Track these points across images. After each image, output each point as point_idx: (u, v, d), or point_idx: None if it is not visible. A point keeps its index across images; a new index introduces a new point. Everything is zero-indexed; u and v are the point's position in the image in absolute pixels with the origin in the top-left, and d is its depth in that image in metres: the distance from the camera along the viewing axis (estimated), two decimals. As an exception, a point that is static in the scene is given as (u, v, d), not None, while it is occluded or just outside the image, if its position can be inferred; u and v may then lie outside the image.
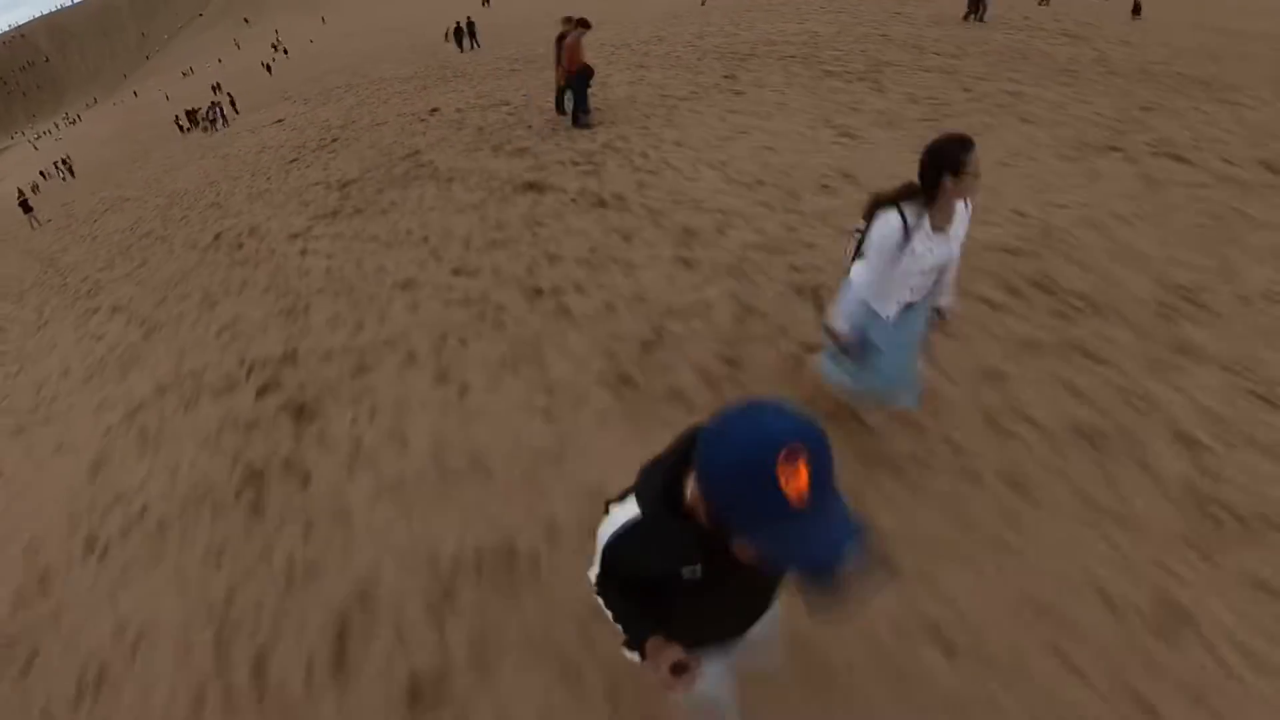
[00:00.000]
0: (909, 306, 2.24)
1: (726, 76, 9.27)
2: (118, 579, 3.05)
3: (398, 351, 3.95)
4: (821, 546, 0.72)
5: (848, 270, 2.26)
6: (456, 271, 4.79)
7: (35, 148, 61.00)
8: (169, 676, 2.44)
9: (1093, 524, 2.26)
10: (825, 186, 5.16)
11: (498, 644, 2.19)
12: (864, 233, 2.12)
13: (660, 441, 1.02)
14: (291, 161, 10.53)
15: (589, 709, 1.96)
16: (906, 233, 1.99)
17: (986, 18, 12.04)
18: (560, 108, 8.44)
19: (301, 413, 3.64)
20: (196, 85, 44.80)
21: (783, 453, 0.68)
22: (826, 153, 5.87)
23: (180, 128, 23.45)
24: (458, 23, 19.72)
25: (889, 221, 2.00)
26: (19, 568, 3.44)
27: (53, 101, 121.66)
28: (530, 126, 8.44)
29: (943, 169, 1.89)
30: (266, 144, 13.09)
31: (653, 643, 1.08)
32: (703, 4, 18.44)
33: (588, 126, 7.83)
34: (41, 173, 32.55)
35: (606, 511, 1.02)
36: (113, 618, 2.83)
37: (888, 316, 2.21)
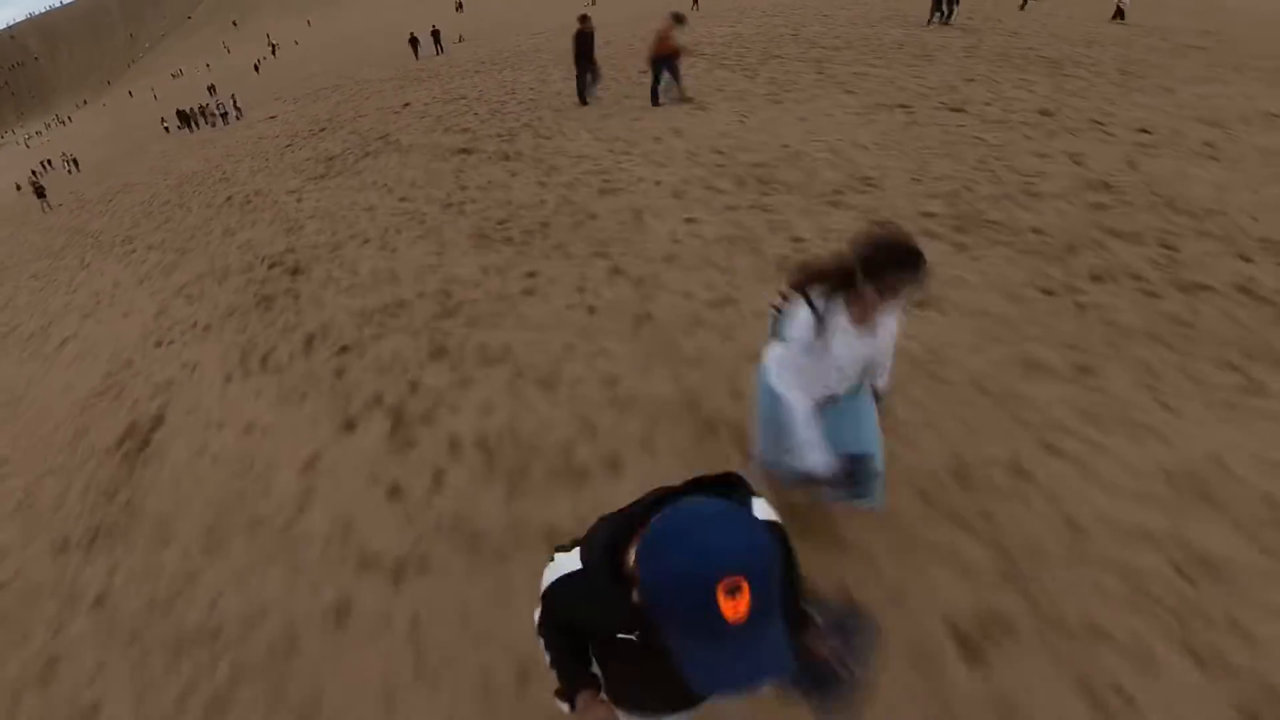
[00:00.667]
0: (833, 399, 1.98)
1: (642, 71, 11.58)
2: (176, 353, 5.25)
3: (358, 239, 6.23)
4: (737, 674, 0.70)
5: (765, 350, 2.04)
6: (402, 199, 7.06)
7: (27, 146, 62.46)
8: (213, 379, 4.65)
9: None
10: (657, 140, 7.44)
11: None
12: (782, 310, 1.91)
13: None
14: (286, 146, 12.69)
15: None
16: (820, 330, 1.75)
17: (952, 20, 13.07)
18: (581, 95, 9.98)
19: (296, 270, 5.90)
20: (188, 86, 46.86)
21: (724, 582, 0.66)
22: (676, 119, 8.15)
23: (166, 129, 25.10)
24: (412, 33, 22.33)
25: (799, 318, 1.77)
26: (105, 364, 5.62)
27: (42, 102, 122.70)
28: (477, 114, 10.72)
29: (866, 274, 1.63)
30: (263, 135, 15.25)
31: (583, 697, 1.09)
32: (695, 7, 20.08)
33: (679, 101, 9.04)
34: (44, 163, 34.23)
35: (553, 557, 1.02)
36: (175, 365, 5.04)
37: (805, 412, 1.87)
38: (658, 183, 6.07)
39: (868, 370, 1.96)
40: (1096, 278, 3.84)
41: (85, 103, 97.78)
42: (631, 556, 0.82)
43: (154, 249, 8.91)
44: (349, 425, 3.65)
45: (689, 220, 5.19)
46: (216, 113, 22.16)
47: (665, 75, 8.93)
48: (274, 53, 52.21)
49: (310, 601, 2.66)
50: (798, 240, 4.66)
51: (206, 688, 2.46)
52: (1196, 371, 3.07)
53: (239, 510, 3.30)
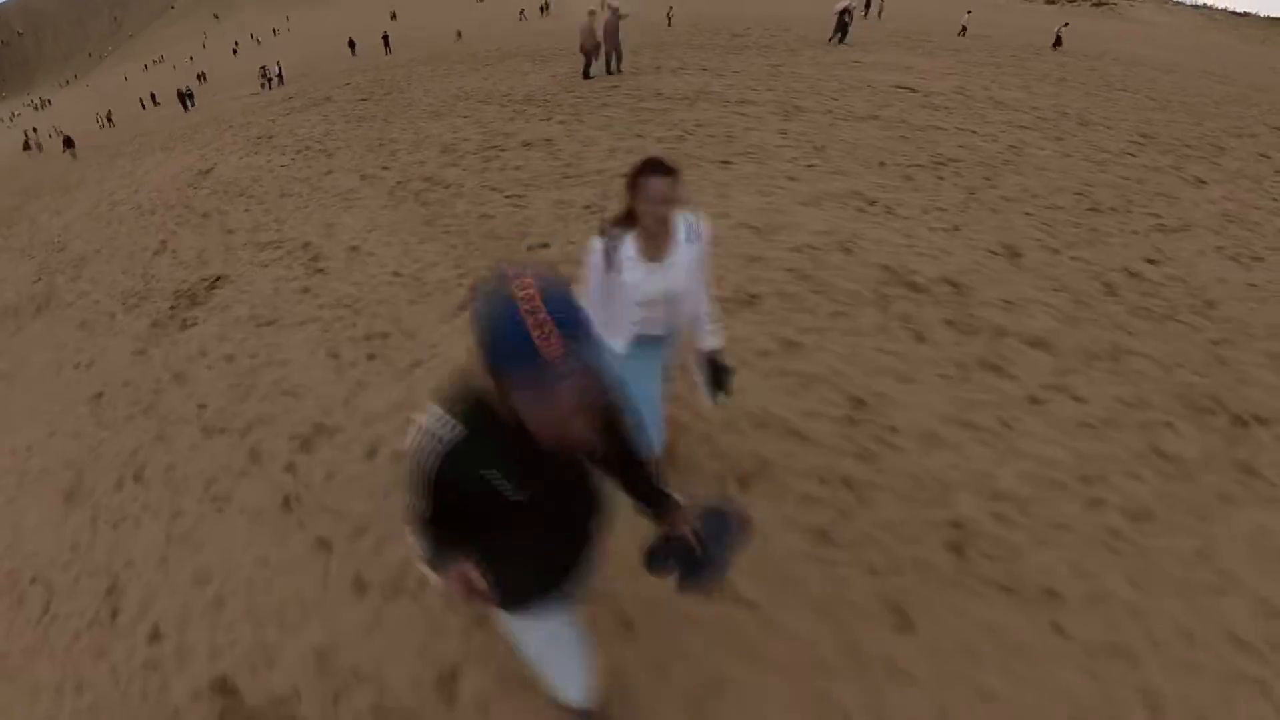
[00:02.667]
0: (646, 341, 2.09)
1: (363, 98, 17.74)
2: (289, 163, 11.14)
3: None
4: (564, 402, 0.83)
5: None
6: (357, 118, 13.08)
7: (10, 123, 65.67)
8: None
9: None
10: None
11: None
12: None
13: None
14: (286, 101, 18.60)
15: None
16: (609, 260, 1.88)
17: (848, 40, 15.67)
18: (586, 74, 12.84)
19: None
20: (170, 69, 51.42)
21: (530, 319, 0.78)
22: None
23: (143, 105, 30.57)
24: (350, 38, 28.60)
25: (590, 248, 1.91)
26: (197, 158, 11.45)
27: (23, 81, 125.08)
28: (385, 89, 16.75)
29: (631, 194, 1.80)
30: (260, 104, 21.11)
31: (452, 569, 1.06)
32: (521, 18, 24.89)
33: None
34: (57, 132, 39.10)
35: (413, 421, 1.03)
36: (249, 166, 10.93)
37: (616, 348, 2.03)
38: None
39: (671, 305, 2.00)
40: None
41: (73, 78, 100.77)
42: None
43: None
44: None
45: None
46: (270, 76, 25.67)
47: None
48: (258, 42, 57.89)
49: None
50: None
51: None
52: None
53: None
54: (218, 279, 6.30)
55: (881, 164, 6.94)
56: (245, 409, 4.10)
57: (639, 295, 1.96)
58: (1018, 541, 2.53)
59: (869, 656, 2.14)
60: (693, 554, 1.31)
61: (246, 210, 8.44)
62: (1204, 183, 6.95)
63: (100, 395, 4.87)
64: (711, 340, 2.20)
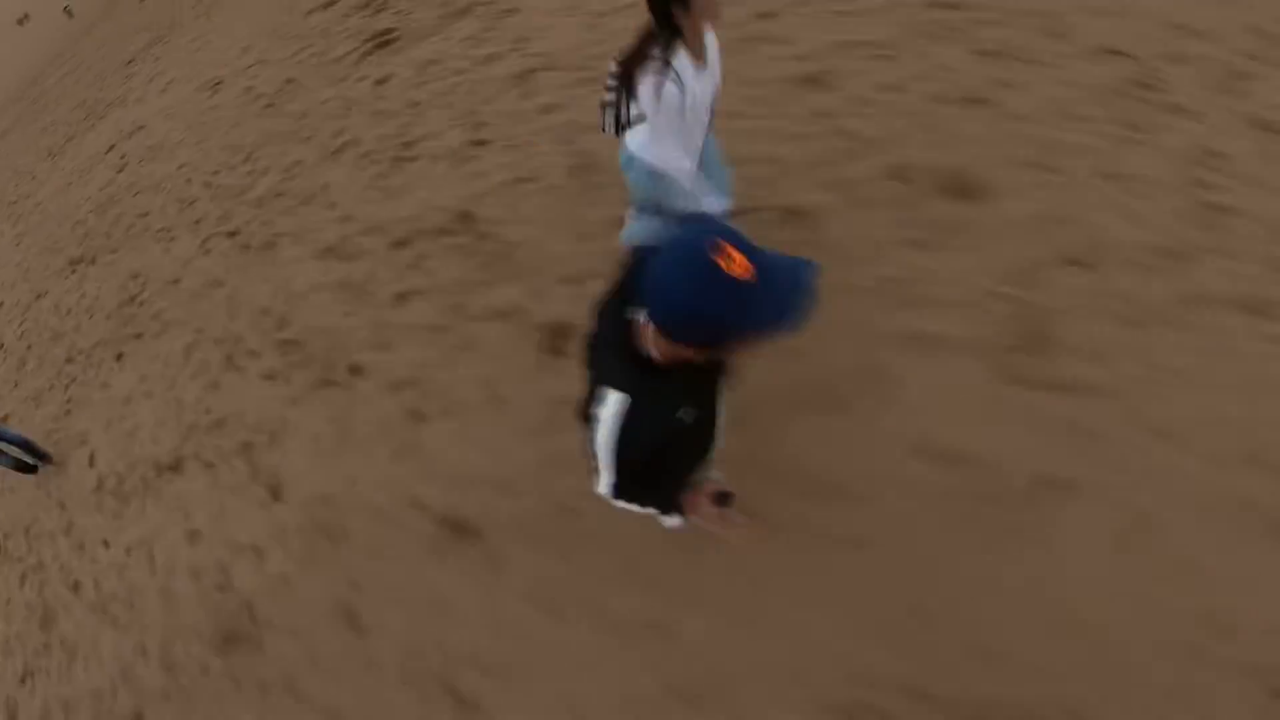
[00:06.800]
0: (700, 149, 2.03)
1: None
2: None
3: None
4: (792, 294, 0.78)
5: (626, 145, 2.03)
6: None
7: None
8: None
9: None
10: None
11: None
12: (621, 101, 1.86)
13: None
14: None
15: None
16: (681, 83, 1.73)
17: None
18: None
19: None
20: None
21: (706, 248, 0.73)
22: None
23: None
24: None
25: (662, 85, 1.71)
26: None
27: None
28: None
29: (669, 2, 1.62)
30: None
31: (687, 499, 1.17)
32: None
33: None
34: None
35: (587, 420, 1.04)
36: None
37: (693, 171, 1.96)
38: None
39: (715, 100, 1.94)
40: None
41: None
42: (649, 346, 0.91)
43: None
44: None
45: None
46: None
47: None
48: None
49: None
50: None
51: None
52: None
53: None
54: None
55: None
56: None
57: (703, 105, 1.86)
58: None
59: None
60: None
61: None
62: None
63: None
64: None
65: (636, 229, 2.31)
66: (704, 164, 2.04)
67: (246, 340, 3.75)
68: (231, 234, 4.65)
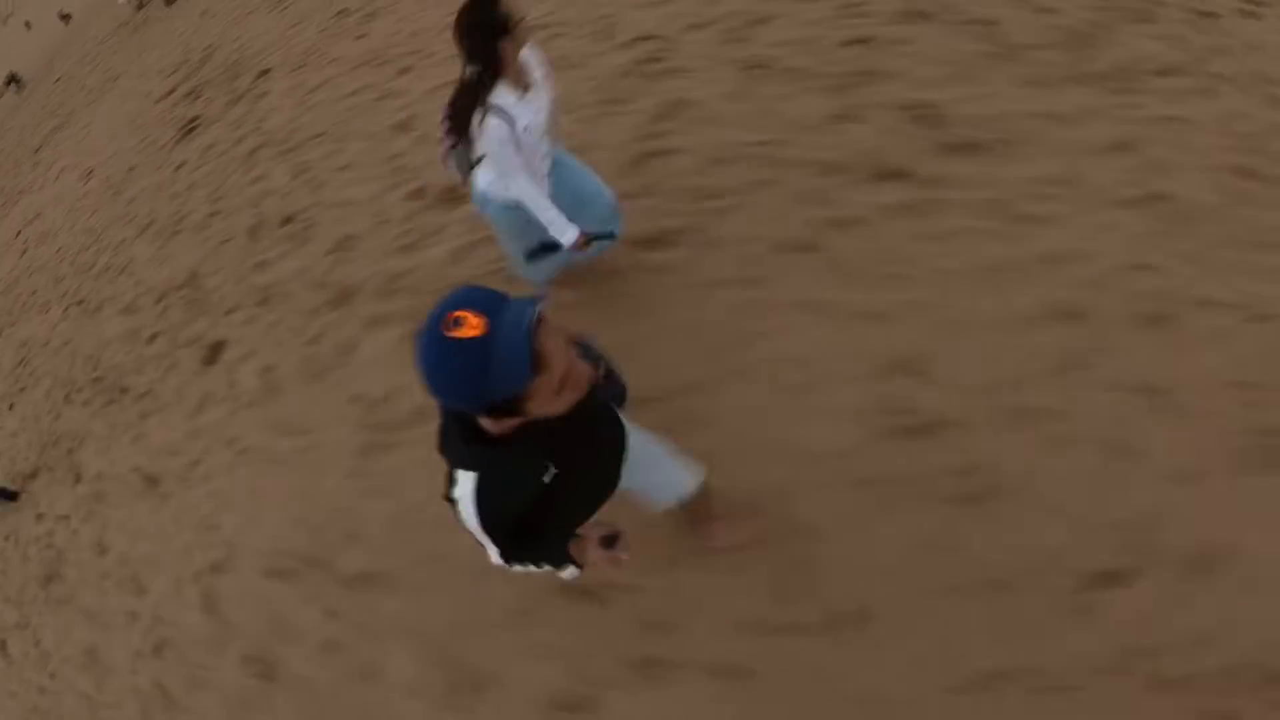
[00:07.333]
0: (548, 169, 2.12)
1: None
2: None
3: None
4: (515, 336, 0.77)
5: (475, 190, 2.14)
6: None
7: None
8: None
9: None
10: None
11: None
12: (460, 146, 1.94)
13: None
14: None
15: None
16: (508, 117, 1.79)
17: None
18: None
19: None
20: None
21: (437, 324, 0.76)
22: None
23: None
24: None
25: (487, 125, 1.80)
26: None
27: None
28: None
29: (495, 35, 1.70)
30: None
31: (573, 546, 1.17)
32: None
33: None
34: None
35: (452, 501, 1.06)
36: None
37: (543, 196, 2.01)
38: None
39: (552, 121, 2.00)
40: None
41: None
42: (480, 422, 0.94)
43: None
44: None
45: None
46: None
47: None
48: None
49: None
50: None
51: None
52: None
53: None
54: None
55: None
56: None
57: (539, 130, 1.94)
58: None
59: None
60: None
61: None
62: None
63: None
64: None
65: (523, 264, 2.43)
66: (567, 187, 2.15)
67: (77, 380, 5.27)
68: (79, 302, 6.15)
